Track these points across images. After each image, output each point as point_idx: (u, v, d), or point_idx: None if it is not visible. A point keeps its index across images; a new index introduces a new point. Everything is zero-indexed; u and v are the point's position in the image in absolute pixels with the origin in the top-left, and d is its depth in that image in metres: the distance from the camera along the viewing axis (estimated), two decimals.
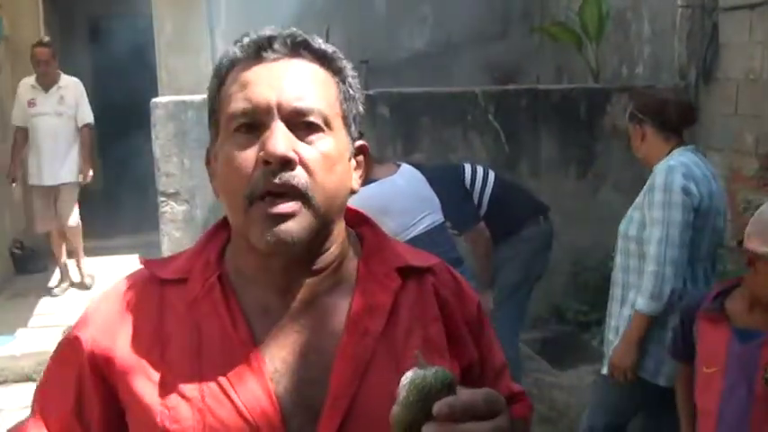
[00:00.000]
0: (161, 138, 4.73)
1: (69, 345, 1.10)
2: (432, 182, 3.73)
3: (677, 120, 2.86)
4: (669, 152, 2.81)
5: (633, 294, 2.81)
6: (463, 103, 5.20)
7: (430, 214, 3.57)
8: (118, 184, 8.69)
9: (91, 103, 6.54)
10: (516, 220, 4.11)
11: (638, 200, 2.84)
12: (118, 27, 9.39)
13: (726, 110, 4.88)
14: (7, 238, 6.94)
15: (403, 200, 3.47)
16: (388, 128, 4.98)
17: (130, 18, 8.54)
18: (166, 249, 4.74)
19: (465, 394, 0.83)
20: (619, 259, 2.91)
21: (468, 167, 4.16)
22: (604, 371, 2.91)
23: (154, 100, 4.83)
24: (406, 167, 3.67)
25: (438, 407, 0.80)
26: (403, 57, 7.53)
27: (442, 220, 3.65)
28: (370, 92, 5.04)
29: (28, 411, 1.19)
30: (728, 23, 4.84)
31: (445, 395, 0.81)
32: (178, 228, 4.78)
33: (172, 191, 4.76)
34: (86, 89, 6.55)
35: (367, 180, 3.76)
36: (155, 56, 7.22)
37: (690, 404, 2.36)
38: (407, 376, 0.84)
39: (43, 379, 1.14)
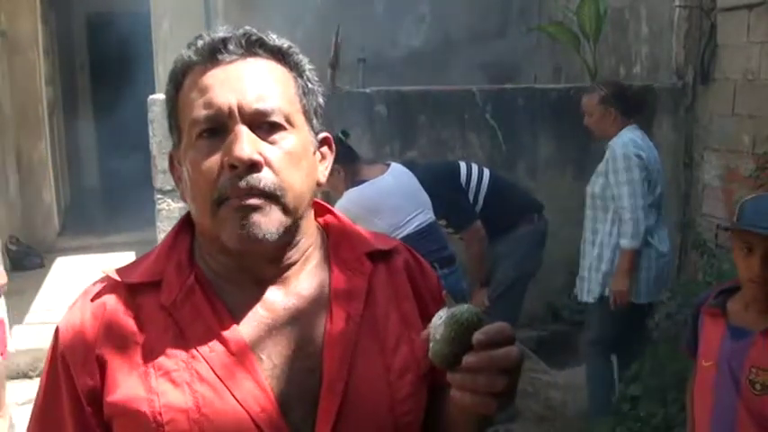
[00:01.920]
0: (158, 135, 4.71)
1: (53, 363, 1.08)
2: (427, 181, 3.73)
3: (634, 107, 3.82)
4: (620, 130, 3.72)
5: (600, 237, 3.73)
6: (460, 101, 5.19)
7: (421, 213, 3.57)
8: (114, 182, 8.70)
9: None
10: (511, 217, 4.12)
11: (600, 167, 3.76)
12: (115, 23, 9.37)
13: (723, 110, 4.88)
14: (3, 235, 6.92)
15: (393, 199, 3.47)
16: (385, 126, 4.96)
17: (128, 14, 8.52)
18: None
19: (493, 324, 0.92)
20: (589, 213, 3.82)
21: (463, 165, 4.16)
22: (589, 299, 3.80)
23: (151, 97, 4.82)
24: (396, 167, 3.66)
25: (477, 336, 0.90)
26: (400, 55, 7.52)
27: (434, 218, 3.66)
28: (368, 90, 5.03)
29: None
30: (726, 24, 4.83)
31: (479, 328, 0.91)
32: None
33: (168, 188, 4.74)
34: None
35: (357, 181, 3.81)
36: (152, 52, 7.21)
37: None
38: (441, 316, 0.93)
39: (39, 401, 1.11)
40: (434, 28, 7.85)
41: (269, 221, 1.01)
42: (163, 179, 4.74)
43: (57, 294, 6.16)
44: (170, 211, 4.77)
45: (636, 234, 3.59)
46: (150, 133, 4.72)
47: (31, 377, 4.88)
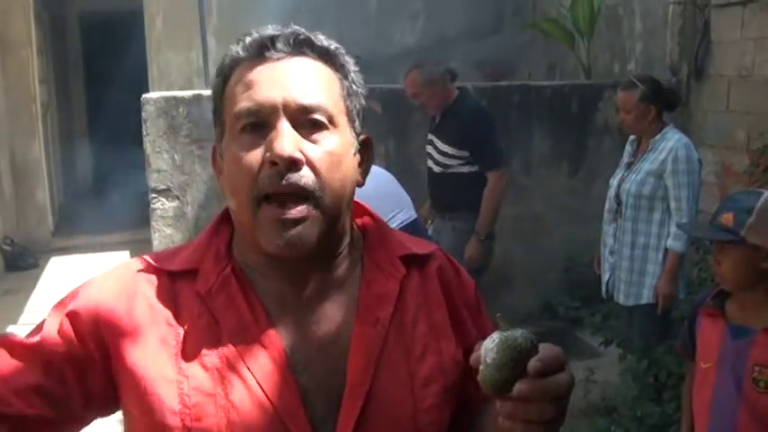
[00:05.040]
0: (152, 134, 4.70)
1: (66, 317, 1.07)
2: (479, 112, 4.15)
3: (671, 105, 3.71)
4: (661, 129, 3.62)
5: (643, 239, 3.61)
6: None
7: (400, 212, 3.57)
8: (109, 181, 8.68)
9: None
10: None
11: (649, 167, 3.58)
12: (109, 22, 9.35)
13: (717, 106, 4.89)
14: None
15: (372, 200, 3.45)
16: (380, 123, 4.96)
17: (121, 13, 8.50)
18: (157, 246, 4.72)
19: (548, 350, 0.89)
20: (628, 213, 3.65)
21: None
22: (628, 302, 3.70)
23: (144, 96, 4.80)
24: (373, 168, 3.66)
25: (533, 364, 0.86)
26: (395, 52, 7.51)
27: (414, 217, 3.66)
28: None
29: None
30: (720, 20, 4.84)
31: (533, 354, 0.88)
32: (169, 224, 4.76)
33: (162, 187, 4.73)
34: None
35: None
36: (146, 52, 7.20)
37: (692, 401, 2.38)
38: (494, 339, 0.89)
39: (38, 335, 1.08)
40: (429, 25, 7.86)
41: (309, 232, 1.01)
42: (157, 178, 4.72)
43: (51, 294, 6.13)
44: (164, 210, 4.76)
45: (690, 238, 3.54)
46: (144, 132, 4.71)
47: None
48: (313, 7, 6.74)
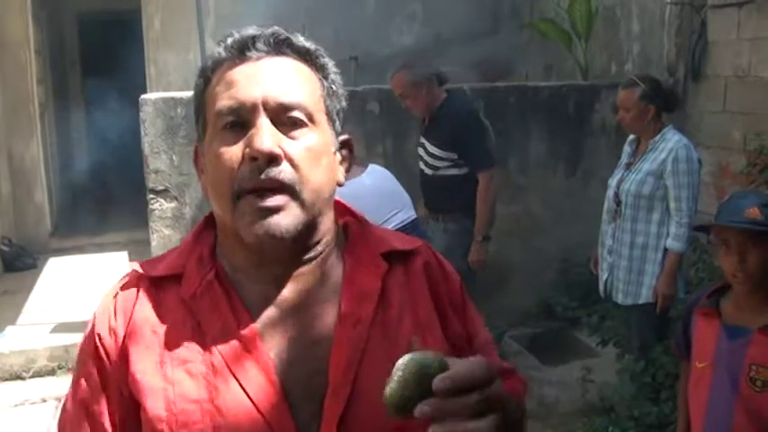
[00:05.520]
0: (150, 134, 4.70)
1: (88, 347, 1.11)
2: (471, 113, 4.09)
3: (671, 105, 3.73)
4: (660, 129, 3.63)
5: (642, 238, 3.63)
6: None
7: (400, 212, 3.58)
8: (107, 182, 8.68)
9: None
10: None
11: (649, 167, 3.59)
12: (107, 22, 9.35)
13: (714, 106, 4.90)
14: None
15: (371, 200, 3.47)
16: (377, 124, 4.97)
17: (119, 13, 8.51)
18: (156, 247, 4.72)
19: (461, 367, 0.84)
20: (628, 212, 3.66)
21: None
22: (627, 301, 3.71)
23: (143, 96, 4.80)
24: (374, 168, 3.68)
25: (439, 381, 0.82)
26: (392, 53, 7.51)
27: (414, 216, 3.67)
28: (360, 88, 5.03)
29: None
30: (717, 21, 4.86)
31: (440, 374, 0.84)
32: (167, 225, 4.76)
33: (161, 188, 4.73)
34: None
35: None
36: (144, 52, 7.20)
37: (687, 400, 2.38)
38: (405, 357, 0.86)
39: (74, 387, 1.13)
40: (426, 26, 7.86)
41: (287, 221, 1.02)
42: (155, 179, 4.73)
43: (49, 295, 6.14)
44: (162, 210, 4.76)
45: (689, 238, 3.57)
46: (142, 133, 4.71)
47: (24, 378, 4.86)
48: (311, 8, 6.74)
